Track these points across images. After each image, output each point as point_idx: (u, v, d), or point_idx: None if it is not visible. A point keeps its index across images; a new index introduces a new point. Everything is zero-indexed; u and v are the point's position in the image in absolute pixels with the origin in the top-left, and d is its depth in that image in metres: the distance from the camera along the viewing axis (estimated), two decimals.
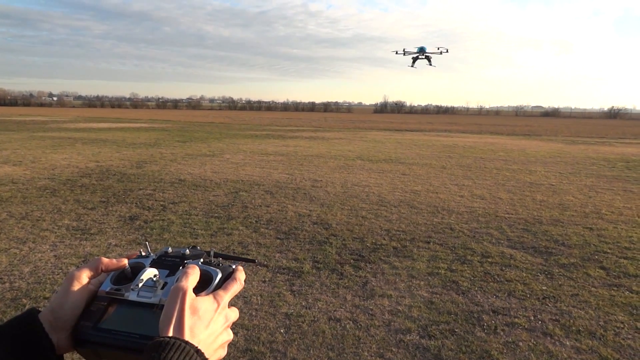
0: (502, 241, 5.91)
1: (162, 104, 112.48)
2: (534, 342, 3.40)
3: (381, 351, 3.24)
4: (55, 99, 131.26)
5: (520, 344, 3.38)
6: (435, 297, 4.15)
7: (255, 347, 3.22)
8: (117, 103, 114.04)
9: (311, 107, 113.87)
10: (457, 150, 18.00)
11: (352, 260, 5.07)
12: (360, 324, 3.62)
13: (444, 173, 11.77)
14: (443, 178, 10.94)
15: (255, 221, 6.58)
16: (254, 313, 3.76)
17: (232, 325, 0.63)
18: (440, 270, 4.82)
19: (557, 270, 4.90)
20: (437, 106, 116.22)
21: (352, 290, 4.28)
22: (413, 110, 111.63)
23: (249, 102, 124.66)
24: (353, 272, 4.72)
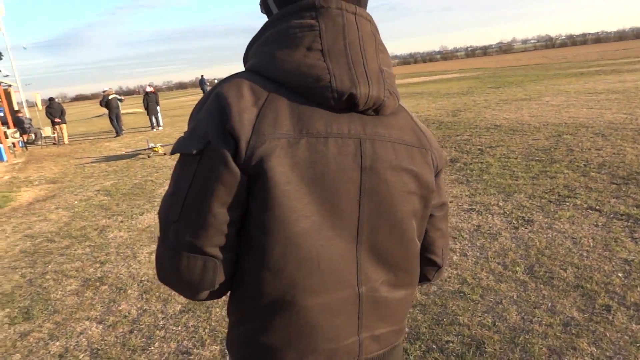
0: None
1: (471, 53, 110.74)
2: None
3: None
4: None
5: None
6: None
7: (588, 285, 3.14)
8: (428, 57, 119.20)
9: None
10: None
11: None
12: None
13: None
14: None
15: (584, 165, 6.01)
16: (584, 254, 3.61)
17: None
18: None
19: None
20: None
21: None
22: None
23: (570, 37, 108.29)
24: None
